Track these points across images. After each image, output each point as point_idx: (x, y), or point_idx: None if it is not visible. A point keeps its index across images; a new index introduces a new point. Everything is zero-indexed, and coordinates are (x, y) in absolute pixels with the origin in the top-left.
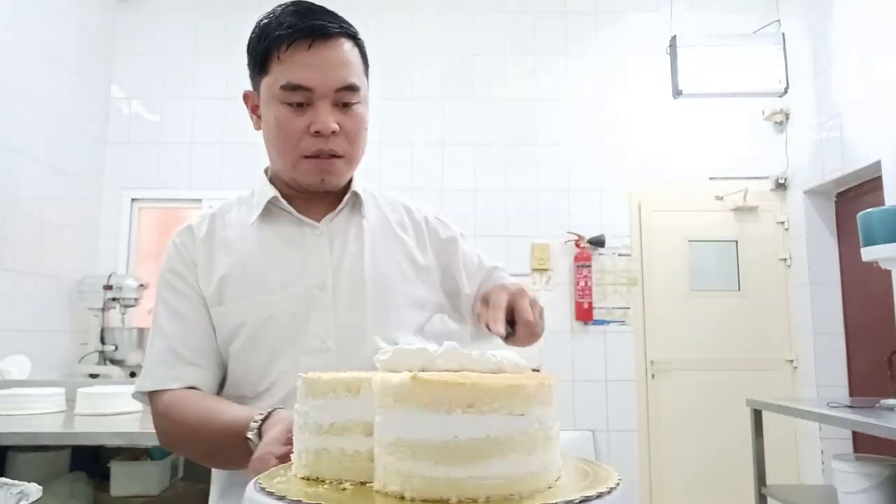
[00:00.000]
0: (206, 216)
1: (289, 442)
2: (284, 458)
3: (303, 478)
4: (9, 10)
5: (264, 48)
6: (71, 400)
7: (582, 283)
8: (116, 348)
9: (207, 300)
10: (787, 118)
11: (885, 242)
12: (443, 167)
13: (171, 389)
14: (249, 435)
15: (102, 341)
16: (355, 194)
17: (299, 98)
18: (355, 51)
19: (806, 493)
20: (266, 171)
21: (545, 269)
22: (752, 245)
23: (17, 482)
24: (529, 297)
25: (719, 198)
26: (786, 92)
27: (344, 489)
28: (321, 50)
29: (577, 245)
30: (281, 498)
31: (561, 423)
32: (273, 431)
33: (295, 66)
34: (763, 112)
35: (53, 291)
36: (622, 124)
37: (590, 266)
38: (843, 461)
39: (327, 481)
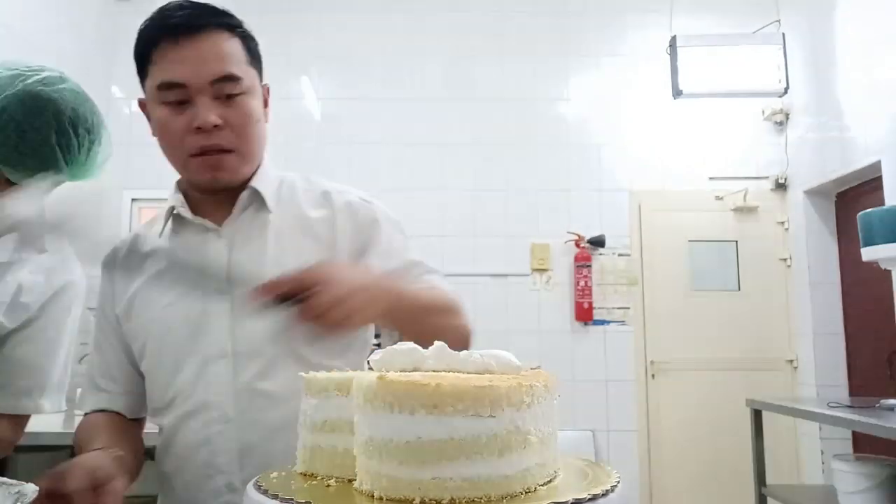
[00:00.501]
0: (131, 235)
1: (50, 483)
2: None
3: (301, 473)
4: (9, 10)
5: (140, 51)
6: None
7: (582, 283)
8: None
9: (120, 319)
10: (787, 118)
11: (885, 242)
12: (443, 167)
13: (91, 412)
14: None
15: None
16: (253, 191)
17: (176, 96)
18: (235, 42)
19: (806, 493)
20: (178, 182)
21: (545, 269)
22: (752, 245)
23: (14, 482)
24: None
25: (719, 198)
26: (786, 92)
27: (328, 486)
28: (191, 43)
29: (577, 245)
30: (262, 490)
31: (561, 423)
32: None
33: (167, 64)
34: (763, 112)
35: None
36: (622, 124)
37: (590, 266)
38: (843, 461)
39: (319, 477)
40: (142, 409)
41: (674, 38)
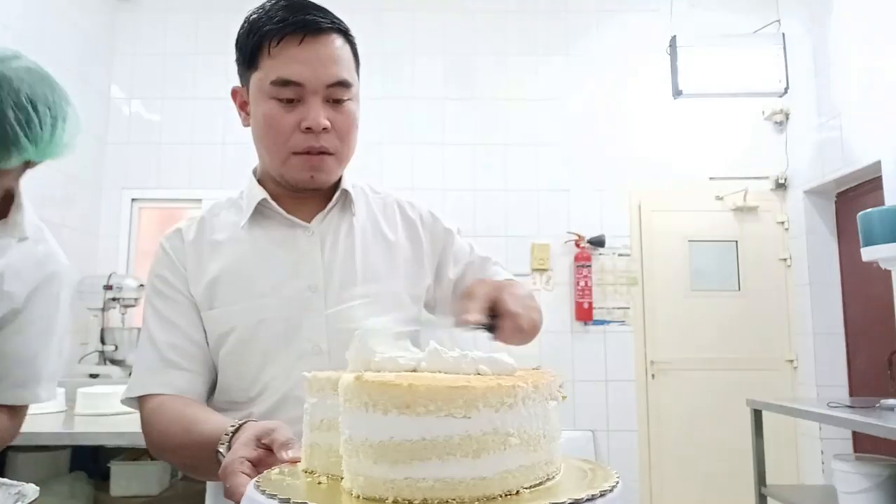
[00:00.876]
0: (196, 219)
1: (259, 447)
2: (258, 463)
3: (303, 470)
4: (9, 11)
5: (254, 43)
6: (71, 400)
7: (582, 283)
8: (116, 348)
9: (198, 304)
10: (787, 118)
11: (885, 242)
12: (443, 167)
13: (158, 395)
14: (220, 448)
15: (102, 341)
16: (345, 192)
17: (290, 94)
18: (347, 47)
19: (806, 493)
20: (255, 172)
21: (545, 269)
22: (752, 245)
23: (14, 482)
24: (522, 292)
25: (719, 198)
26: (786, 92)
27: (319, 483)
28: (312, 45)
29: (577, 245)
30: (260, 490)
31: (561, 423)
32: (241, 439)
33: (286, 62)
34: (763, 112)
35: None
36: (622, 124)
37: (590, 266)
38: (843, 461)
39: (317, 474)
40: (209, 398)
41: (674, 38)
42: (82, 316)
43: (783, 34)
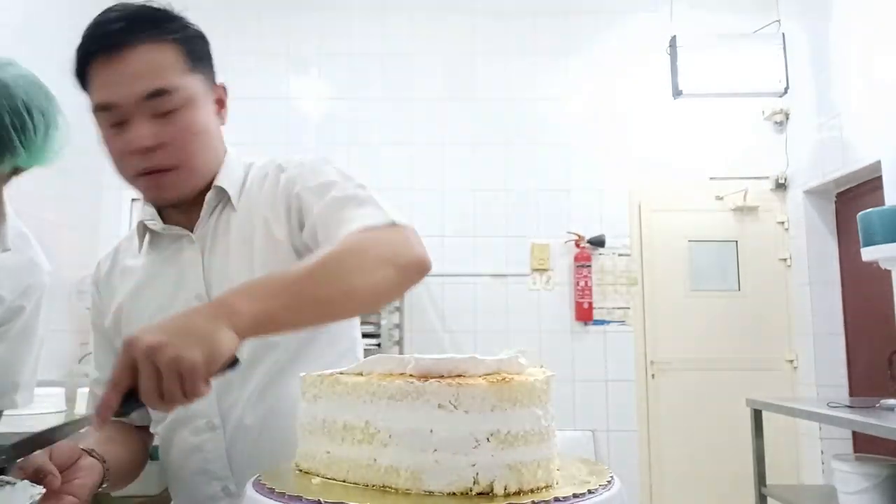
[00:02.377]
0: (113, 249)
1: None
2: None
3: (299, 470)
4: (8, 10)
5: (78, 70)
6: (71, 400)
7: (582, 283)
8: None
9: (109, 334)
10: (787, 118)
11: (885, 242)
12: (443, 167)
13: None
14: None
15: None
16: (219, 192)
17: (113, 117)
18: (169, 50)
19: (806, 493)
20: None
21: (545, 269)
22: (752, 245)
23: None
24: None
25: (719, 198)
26: (786, 92)
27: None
28: (121, 60)
29: (577, 245)
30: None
31: (561, 423)
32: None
33: (100, 85)
34: (763, 112)
35: (53, 291)
36: (622, 124)
37: (590, 266)
38: (843, 461)
39: (312, 474)
40: (145, 417)
41: (674, 38)
42: (82, 316)
43: (783, 34)
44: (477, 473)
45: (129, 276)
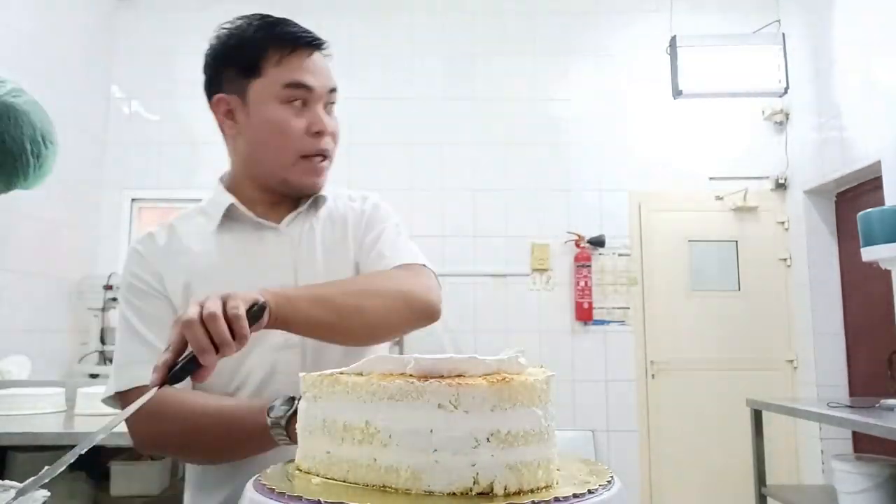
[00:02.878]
0: (166, 225)
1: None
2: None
3: (298, 469)
4: (9, 10)
5: (256, 52)
6: (71, 400)
7: (582, 283)
8: None
9: (175, 305)
10: (787, 118)
11: (885, 242)
12: (443, 167)
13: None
14: (269, 420)
15: (102, 341)
16: (320, 197)
17: (301, 95)
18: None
19: (806, 493)
20: (221, 180)
21: (545, 269)
22: (752, 245)
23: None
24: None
25: (719, 198)
26: (786, 92)
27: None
28: (317, 55)
29: (577, 245)
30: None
31: (561, 423)
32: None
33: (297, 69)
34: (763, 112)
35: (53, 291)
36: (622, 124)
37: (590, 266)
38: (843, 461)
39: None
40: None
41: (674, 38)
42: (82, 316)
43: (783, 34)
44: (477, 473)
45: (197, 255)
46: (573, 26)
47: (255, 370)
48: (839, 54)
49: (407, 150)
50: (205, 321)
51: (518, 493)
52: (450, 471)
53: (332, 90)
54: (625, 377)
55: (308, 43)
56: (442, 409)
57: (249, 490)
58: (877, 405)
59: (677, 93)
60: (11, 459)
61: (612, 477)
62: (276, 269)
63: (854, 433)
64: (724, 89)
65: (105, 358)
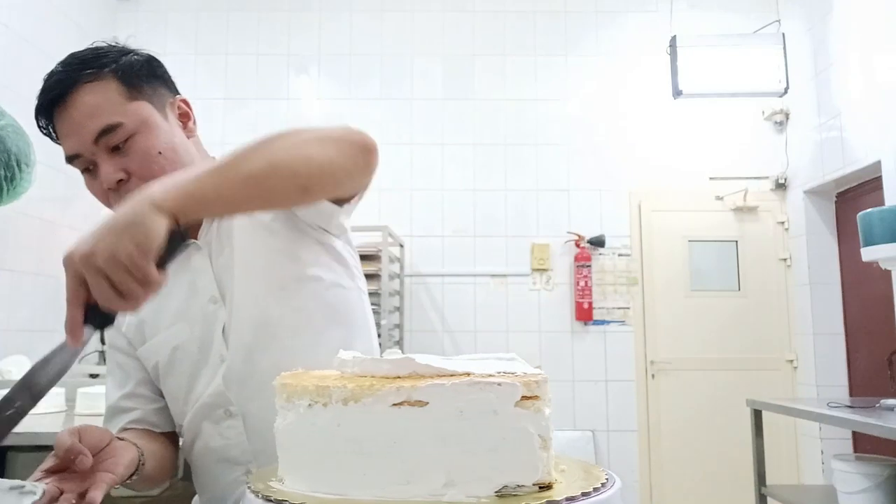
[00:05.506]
0: None
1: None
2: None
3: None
4: (9, 10)
5: (43, 128)
6: (71, 400)
7: (582, 283)
8: None
9: (132, 343)
10: (787, 118)
11: (885, 242)
12: (443, 167)
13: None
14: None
15: (102, 341)
16: None
17: (82, 164)
18: (105, 86)
19: (806, 493)
20: None
21: (545, 269)
22: (752, 245)
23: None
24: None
25: (719, 198)
26: (786, 92)
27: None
28: (66, 112)
29: (577, 245)
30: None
31: (561, 423)
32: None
33: (62, 138)
34: (763, 112)
35: (53, 291)
36: (622, 124)
37: (590, 266)
38: (843, 461)
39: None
40: (170, 423)
41: (674, 38)
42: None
43: (783, 34)
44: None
45: None
46: (573, 26)
47: (202, 394)
48: (839, 54)
49: (406, 150)
50: (100, 268)
51: (517, 494)
52: (444, 474)
53: (101, 134)
54: (625, 377)
55: (51, 106)
56: (435, 412)
57: (248, 494)
58: (877, 405)
59: (677, 93)
60: (11, 459)
61: (611, 477)
62: (203, 284)
63: (854, 433)
64: (724, 89)
65: (105, 358)
